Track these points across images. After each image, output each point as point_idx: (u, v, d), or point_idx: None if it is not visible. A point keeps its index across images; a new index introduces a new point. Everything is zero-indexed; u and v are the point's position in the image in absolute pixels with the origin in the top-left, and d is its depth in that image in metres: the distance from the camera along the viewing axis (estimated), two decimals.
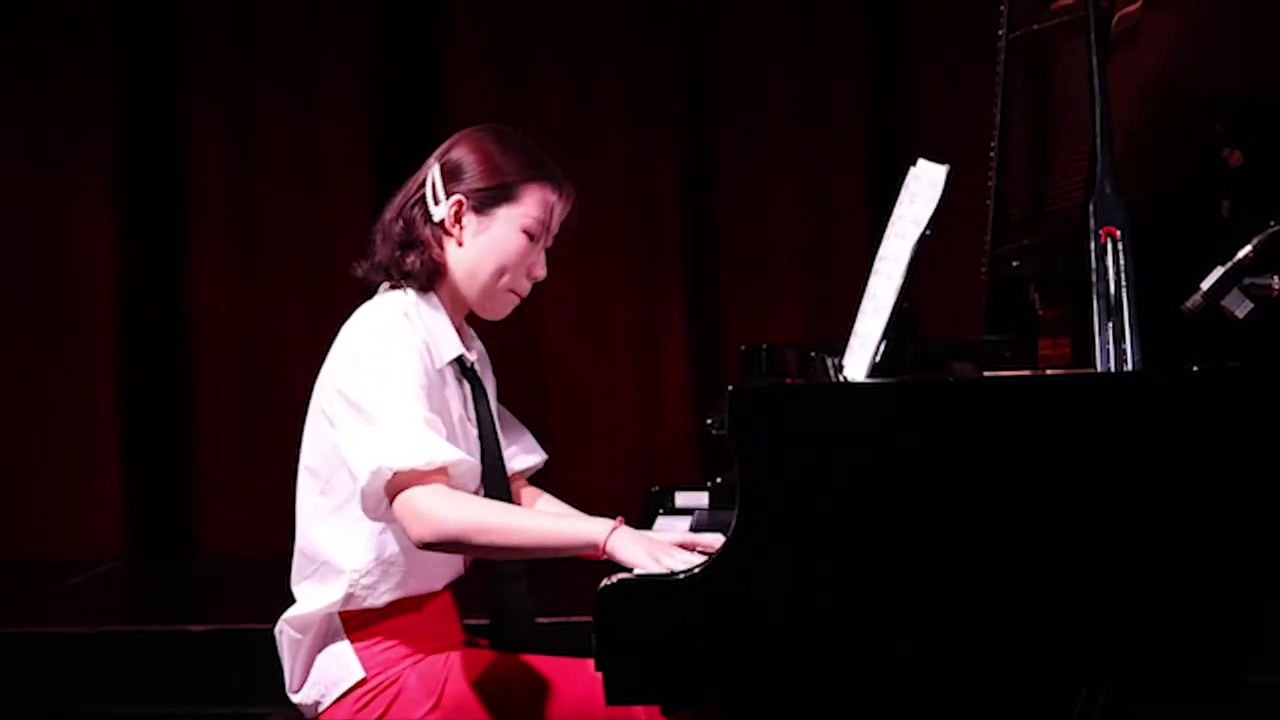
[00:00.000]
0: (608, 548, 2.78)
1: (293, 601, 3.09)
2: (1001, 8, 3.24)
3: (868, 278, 2.96)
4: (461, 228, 3.05)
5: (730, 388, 2.69)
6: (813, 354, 3.44)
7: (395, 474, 2.84)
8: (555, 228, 3.09)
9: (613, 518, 2.84)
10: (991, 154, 3.36)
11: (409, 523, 2.85)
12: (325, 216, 6.33)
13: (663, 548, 2.78)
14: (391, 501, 2.86)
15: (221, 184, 6.37)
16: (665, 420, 6.34)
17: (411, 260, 3.04)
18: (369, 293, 3.13)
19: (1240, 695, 2.76)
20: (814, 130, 6.34)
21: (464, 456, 2.90)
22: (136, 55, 6.36)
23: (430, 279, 3.06)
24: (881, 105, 6.30)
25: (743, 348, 3.79)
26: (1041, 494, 2.65)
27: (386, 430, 2.87)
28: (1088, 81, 2.92)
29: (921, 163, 2.91)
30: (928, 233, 2.84)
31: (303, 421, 3.09)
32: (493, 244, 3.05)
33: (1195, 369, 2.67)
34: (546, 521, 2.91)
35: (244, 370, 6.36)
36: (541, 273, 3.10)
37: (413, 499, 2.84)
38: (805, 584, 2.65)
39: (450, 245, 3.06)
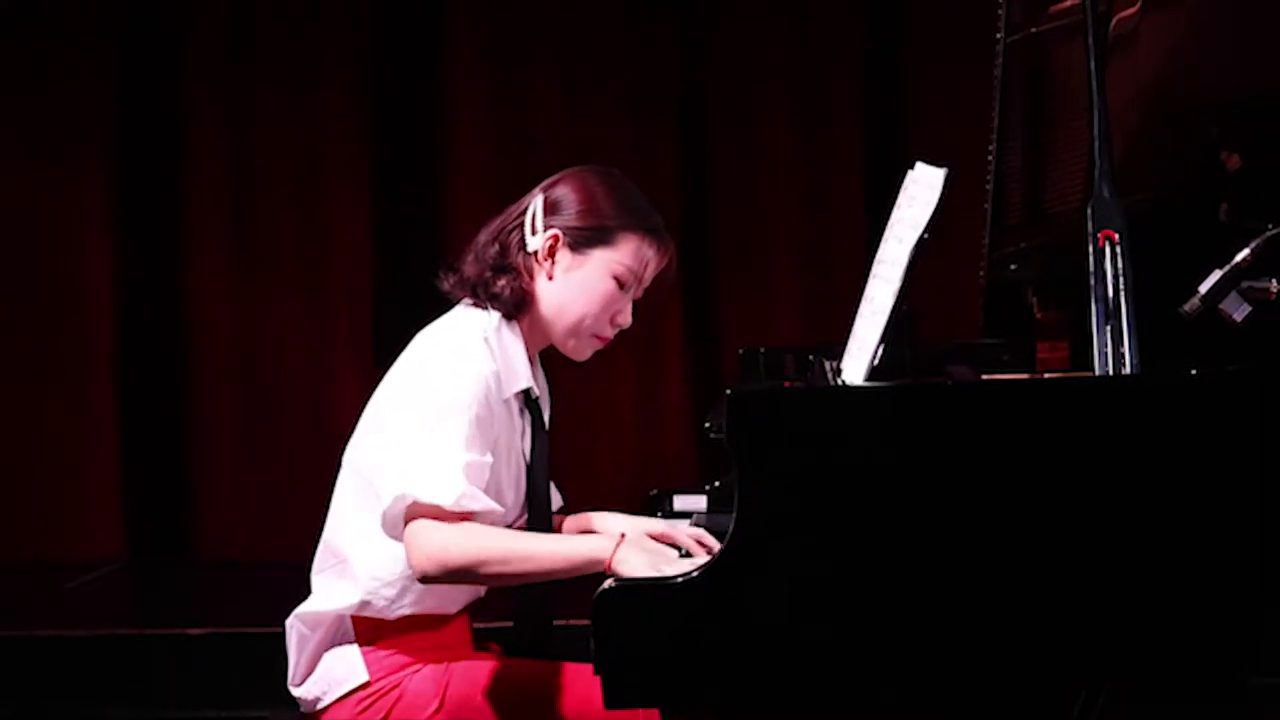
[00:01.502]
0: (613, 563, 2.78)
1: (301, 597, 3.09)
2: (999, 10, 3.23)
3: (866, 280, 2.96)
4: (554, 262, 3.04)
5: (728, 391, 2.69)
6: (811, 357, 3.45)
7: (416, 503, 2.84)
8: (648, 280, 3.09)
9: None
10: (990, 157, 3.35)
11: (413, 553, 2.85)
12: (324, 217, 6.31)
13: (665, 557, 2.81)
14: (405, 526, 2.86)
15: (221, 184, 6.35)
16: (664, 423, 6.32)
17: (501, 285, 3.03)
18: (444, 303, 3.11)
19: (1240, 696, 2.76)
20: (814, 130, 6.32)
21: (493, 507, 2.89)
22: (136, 55, 6.34)
23: (517, 306, 3.05)
24: (881, 106, 6.29)
25: (741, 351, 3.80)
26: (1040, 497, 2.65)
27: (426, 460, 2.86)
28: (1086, 84, 2.92)
29: (920, 166, 2.91)
30: (926, 236, 2.84)
31: (348, 422, 3.08)
32: (582, 284, 3.04)
33: (1193, 372, 2.67)
34: (551, 546, 2.88)
35: (243, 371, 6.34)
36: (627, 321, 3.09)
37: (423, 530, 2.84)
38: (803, 586, 2.65)
39: (540, 277, 3.05)
